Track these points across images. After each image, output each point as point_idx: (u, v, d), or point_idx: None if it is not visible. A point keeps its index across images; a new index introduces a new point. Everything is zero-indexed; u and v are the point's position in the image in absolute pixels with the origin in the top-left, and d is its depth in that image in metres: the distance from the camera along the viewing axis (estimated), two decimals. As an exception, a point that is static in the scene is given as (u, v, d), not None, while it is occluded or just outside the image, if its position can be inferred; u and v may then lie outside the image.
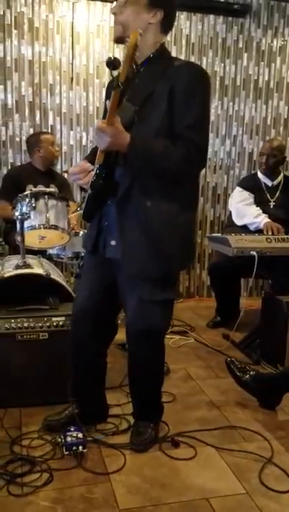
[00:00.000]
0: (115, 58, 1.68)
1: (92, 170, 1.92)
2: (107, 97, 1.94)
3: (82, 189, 2.14)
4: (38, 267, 2.75)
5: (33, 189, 2.92)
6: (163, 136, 1.83)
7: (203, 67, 4.21)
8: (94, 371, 2.26)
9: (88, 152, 2.21)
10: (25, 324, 2.41)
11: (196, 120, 1.84)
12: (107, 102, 1.76)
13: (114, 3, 1.88)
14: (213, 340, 3.43)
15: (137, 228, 1.89)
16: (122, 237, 1.92)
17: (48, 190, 2.96)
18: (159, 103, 1.83)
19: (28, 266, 2.70)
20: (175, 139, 1.82)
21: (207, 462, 2.06)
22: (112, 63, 1.68)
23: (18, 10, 3.86)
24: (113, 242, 1.95)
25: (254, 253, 3.01)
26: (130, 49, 1.64)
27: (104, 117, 1.83)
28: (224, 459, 2.08)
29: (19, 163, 4.04)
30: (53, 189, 3.04)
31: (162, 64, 1.91)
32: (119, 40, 1.93)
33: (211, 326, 3.74)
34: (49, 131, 4.08)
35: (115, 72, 1.71)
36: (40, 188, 2.99)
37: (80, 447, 2.01)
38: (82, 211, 2.08)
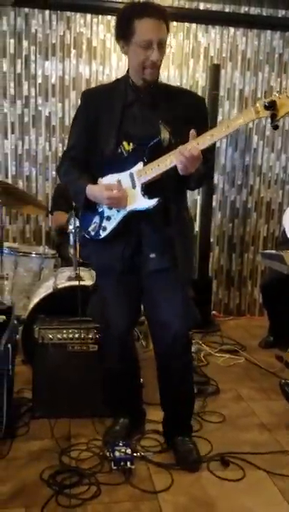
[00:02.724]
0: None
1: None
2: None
3: (75, 210, 2.26)
4: (89, 280, 2.79)
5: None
6: None
7: (259, 82, 4.23)
8: (137, 379, 2.37)
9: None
10: (77, 335, 2.44)
11: None
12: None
13: (158, 53, 1.88)
14: (265, 361, 3.32)
15: (179, 237, 2.03)
16: (167, 248, 2.01)
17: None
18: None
19: (80, 278, 2.75)
20: None
21: (257, 486, 1.99)
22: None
23: (78, 30, 4.00)
24: (152, 255, 2.02)
25: (310, 271, 2.90)
26: None
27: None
28: (275, 484, 2.00)
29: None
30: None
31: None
32: (153, 83, 1.98)
33: (263, 345, 3.63)
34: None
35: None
36: None
37: (128, 463, 1.99)
38: (93, 233, 2.06)
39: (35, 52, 3.98)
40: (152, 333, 2.22)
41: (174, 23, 4.07)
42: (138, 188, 1.95)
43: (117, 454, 2.01)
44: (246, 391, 2.87)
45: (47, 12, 3.94)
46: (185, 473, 2.05)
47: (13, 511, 1.77)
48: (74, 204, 2.39)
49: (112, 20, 4.00)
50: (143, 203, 1.94)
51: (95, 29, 4.02)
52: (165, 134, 1.94)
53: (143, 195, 1.94)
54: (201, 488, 1.96)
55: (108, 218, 2.02)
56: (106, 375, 2.32)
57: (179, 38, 4.12)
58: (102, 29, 4.03)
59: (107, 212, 2.03)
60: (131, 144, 1.98)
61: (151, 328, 2.23)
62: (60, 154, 4.11)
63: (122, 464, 1.99)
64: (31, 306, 2.70)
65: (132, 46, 1.90)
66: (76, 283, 2.68)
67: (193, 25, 4.12)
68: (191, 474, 2.04)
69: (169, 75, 4.14)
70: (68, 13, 3.97)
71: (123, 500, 1.86)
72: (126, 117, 1.99)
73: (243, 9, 4.15)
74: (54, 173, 4.13)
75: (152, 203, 1.92)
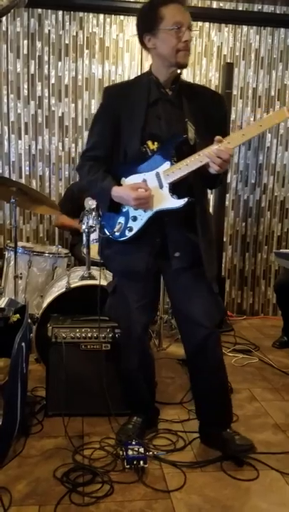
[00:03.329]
0: None
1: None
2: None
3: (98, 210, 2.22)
4: (102, 279, 2.80)
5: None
6: None
7: (273, 80, 4.20)
8: (153, 378, 2.38)
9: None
10: (89, 334, 2.45)
11: None
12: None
13: (193, 32, 1.94)
14: (279, 361, 3.30)
15: (203, 236, 2.03)
16: (192, 247, 2.02)
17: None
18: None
19: (92, 277, 2.76)
20: None
21: (271, 486, 1.97)
22: None
23: (90, 30, 4.02)
24: (177, 254, 2.03)
25: None
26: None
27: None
28: (290, 484, 1.98)
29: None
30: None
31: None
32: (186, 66, 2.00)
33: (277, 346, 3.60)
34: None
35: None
36: None
37: (142, 462, 1.99)
38: (119, 233, 2.05)
39: (48, 52, 4.00)
40: (183, 331, 2.22)
41: (187, 22, 4.05)
42: (166, 188, 1.93)
43: (130, 452, 2.02)
44: (260, 391, 2.85)
45: (60, 13, 3.96)
46: (198, 472, 2.04)
47: (27, 509, 1.78)
48: (93, 204, 2.40)
49: (124, 20, 4.02)
50: (172, 202, 1.93)
51: (107, 29, 4.03)
52: (191, 133, 1.94)
53: (171, 194, 1.93)
54: (214, 487, 1.95)
55: (134, 219, 2.01)
56: (124, 375, 2.32)
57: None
58: (114, 29, 4.04)
59: (132, 213, 2.02)
60: (155, 143, 1.97)
61: (181, 326, 2.24)
62: (73, 155, 4.14)
63: (135, 462, 1.99)
64: (45, 305, 2.71)
65: (160, 34, 1.89)
66: (89, 282, 2.70)
67: (206, 23, 4.12)
68: (204, 474, 2.03)
69: (182, 74, 4.12)
70: (81, 14, 3.99)
71: (136, 499, 1.86)
72: (150, 116, 1.98)
73: (257, 7, 4.13)
74: (67, 173, 4.16)
75: (182, 202, 1.92)
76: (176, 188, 1.94)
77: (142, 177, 1.97)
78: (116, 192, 1.99)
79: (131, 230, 2.02)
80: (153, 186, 1.95)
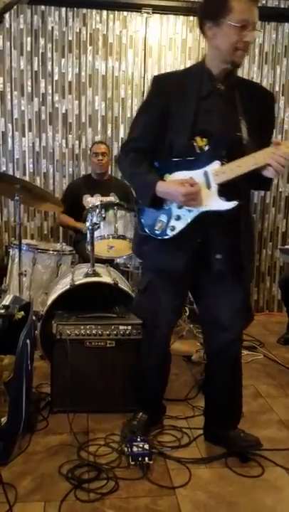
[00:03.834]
0: None
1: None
2: None
3: (137, 203, 2.08)
4: (106, 276, 2.81)
5: (93, 201, 3.00)
6: None
7: (277, 76, 4.18)
8: (167, 376, 2.36)
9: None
10: (94, 331, 2.45)
11: None
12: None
13: (257, 32, 1.81)
14: (284, 357, 3.29)
15: (245, 239, 1.99)
16: (234, 250, 1.96)
17: (117, 201, 3.04)
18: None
19: (97, 274, 2.76)
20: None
21: (276, 483, 1.97)
22: None
23: (94, 27, 4.00)
24: (218, 256, 1.95)
25: None
26: None
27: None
28: (295, 481, 1.98)
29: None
30: (113, 199, 3.14)
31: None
32: (240, 66, 1.91)
33: (282, 342, 3.59)
34: (120, 143, 4.17)
35: None
36: (97, 197, 3.12)
37: (146, 458, 2.00)
38: (159, 231, 1.96)
39: (51, 49, 4.00)
40: (208, 334, 2.19)
41: (191, 18, 4.04)
42: (214, 189, 1.83)
43: (134, 449, 2.02)
44: (264, 387, 2.84)
45: (63, 9, 3.95)
46: (203, 469, 2.04)
47: (32, 505, 1.79)
48: (136, 200, 2.13)
49: (128, 16, 4.00)
50: (220, 204, 1.83)
51: (111, 25, 4.02)
52: (244, 132, 1.84)
53: (220, 196, 1.83)
54: (219, 484, 1.95)
55: (178, 218, 1.91)
56: (140, 372, 2.30)
57: (195, 32, 4.09)
58: (118, 25, 4.02)
59: (176, 212, 1.92)
60: (205, 140, 1.85)
61: (206, 328, 2.21)
62: (76, 151, 4.13)
63: (139, 459, 2.00)
64: (49, 302, 2.71)
65: (223, 27, 1.76)
66: (93, 279, 2.70)
67: (210, 19, 4.08)
68: (209, 470, 2.04)
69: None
70: (84, 10, 3.97)
71: (141, 495, 1.86)
72: (201, 109, 1.85)
73: (261, 2, 4.09)
74: (71, 170, 4.16)
75: (231, 205, 1.82)
76: (224, 189, 1.83)
77: (189, 175, 1.85)
78: (162, 187, 1.88)
79: (173, 229, 1.92)
80: (200, 185, 1.84)
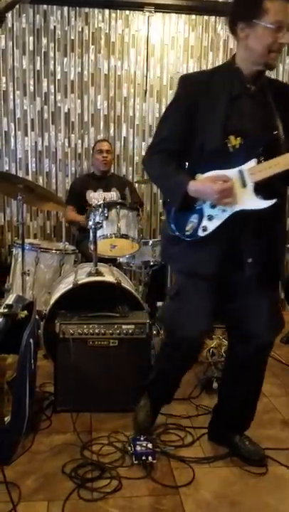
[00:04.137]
0: None
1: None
2: None
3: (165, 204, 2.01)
4: (109, 275, 2.80)
5: (98, 197, 3.01)
6: None
7: (280, 74, 4.17)
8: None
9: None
10: (97, 330, 2.45)
11: None
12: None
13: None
14: (288, 357, 3.28)
15: (279, 241, 1.95)
16: (266, 253, 1.89)
17: (119, 200, 3.04)
18: None
19: (100, 273, 2.76)
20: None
21: (280, 482, 1.97)
22: None
23: (96, 26, 4.00)
24: (250, 260, 1.87)
25: None
26: None
27: None
28: (298, 480, 1.98)
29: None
30: (115, 195, 3.13)
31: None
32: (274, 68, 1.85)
33: (285, 341, 3.58)
34: (122, 143, 4.18)
35: None
36: (100, 192, 3.12)
37: (150, 458, 2.00)
38: (190, 232, 1.87)
39: (53, 48, 4.00)
40: (235, 340, 2.10)
41: (193, 16, 4.04)
42: (250, 187, 1.77)
43: (138, 448, 2.02)
44: (268, 387, 2.83)
45: (65, 8, 3.95)
46: (206, 468, 2.04)
47: (36, 504, 1.79)
48: (167, 200, 2.01)
49: (130, 15, 4.00)
50: (256, 203, 1.77)
51: (113, 24, 4.02)
52: (280, 131, 1.80)
53: (256, 194, 1.77)
54: (222, 483, 1.95)
55: (210, 218, 1.84)
56: (161, 374, 2.25)
57: (197, 30, 4.09)
58: (120, 24, 4.02)
59: (208, 211, 1.84)
60: (239, 139, 1.80)
61: (234, 334, 2.11)
62: (79, 151, 4.13)
63: (143, 458, 2.00)
64: (52, 301, 2.72)
65: (257, 28, 1.71)
66: (96, 278, 2.70)
67: (212, 17, 4.09)
68: (212, 470, 2.03)
69: (188, 67, 4.12)
70: (86, 9, 3.97)
71: (144, 494, 1.86)
72: (233, 110, 1.81)
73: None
74: (73, 169, 4.16)
75: (269, 203, 1.74)
76: (260, 188, 1.77)
77: (223, 173, 1.79)
78: (194, 186, 1.81)
79: (205, 229, 1.84)
80: (235, 185, 1.79)
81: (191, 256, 1.91)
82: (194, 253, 1.89)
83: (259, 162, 1.76)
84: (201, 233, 1.85)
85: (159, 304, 3.63)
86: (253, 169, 1.76)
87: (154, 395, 2.28)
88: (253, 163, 1.77)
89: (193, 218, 1.87)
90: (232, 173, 1.79)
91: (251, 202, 1.77)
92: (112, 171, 4.05)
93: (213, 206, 1.84)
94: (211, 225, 1.84)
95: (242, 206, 1.79)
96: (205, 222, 1.85)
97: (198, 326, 1.98)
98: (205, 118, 1.82)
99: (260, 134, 1.78)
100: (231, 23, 1.80)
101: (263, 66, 1.80)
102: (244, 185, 1.78)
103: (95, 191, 3.76)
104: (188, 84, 1.90)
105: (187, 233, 1.88)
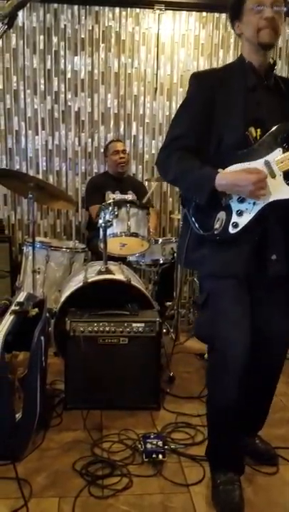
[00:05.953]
0: None
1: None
2: None
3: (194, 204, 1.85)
4: (119, 273, 2.81)
5: (116, 198, 3.00)
6: None
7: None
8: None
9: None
10: (107, 328, 2.46)
11: None
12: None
13: (274, 8, 1.74)
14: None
15: None
16: None
17: (129, 199, 3.04)
18: None
19: (110, 272, 2.77)
20: None
21: (291, 482, 1.96)
22: None
23: (106, 24, 4.00)
24: (274, 257, 1.77)
25: None
26: None
27: None
28: (310, 479, 1.97)
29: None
30: (131, 197, 3.13)
31: None
32: (271, 46, 1.82)
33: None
34: (132, 141, 4.18)
35: None
36: (118, 194, 3.10)
37: (160, 455, 2.00)
38: (219, 230, 1.76)
39: (64, 47, 4.01)
40: (256, 348, 1.80)
41: (204, 14, 4.02)
42: (280, 177, 1.70)
43: (148, 446, 2.02)
44: (278, 386, 2.80)
45: (76, 7, 3.96)
46: (217, 466, 2.04)
47: (47, 501, 1.80)
48: (189, 197, 1.88)
49: (140, 13, 4.00)
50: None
51: (123, 22, 4.02)
52: None
53: (287, 183, 1.69)
54: (233, 482, 1.94)
55: (240, 213, 1.74)
56: (214, 415, 1.90)
57: (208, 28, 4.07)
58: (130, 22, 4.02)
59: (237, 206, 1.75)
60: (259, 131, 1.76)
61: (256, 345, 1.81)
62: (89, 149, 4.14)
63: (153, 456, 2.00)
64: (62, 299, 2.73)
65: (245, 18, 1.78)
66: (106, 276, 2.71)
67: (223, 15, 4.07)
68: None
69: (199, 65, 4.11)
70: (97, 8, 3.98)
71: (155, 492, 1.87)
72: (250, 102, 1.79)
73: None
74: (84, 168, 4.17)
75: None
76: None
77: (248, 166, 1.73)
78: (224, 178, 1.71)
79: (236, 226, 1.74)
80: None
81: (222, 256, 1.78)
82: (225, 252, 1.77)
83: (285, 151, 1.71)
84: (232, 230, 1.75)
85: (168, 303, 3.64)
86: (281, 158, 1.71)
87: (220, 450, 1.90)
88: (278, 152, 1.71)
89: (221, 215, 1.77)
90: (258, 164, 1.73)
91: (283, 191, 1.71)
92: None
93: (241, 200, 1.75)
94: (242, 221, 1.74)
95: (275, 197, 1.71)
96: (235, 218, 1.75)
97: (237, 340, 1.75)
98: (223, 112, 1.79)
99: (283, 123, 1.74)
100: (232, 25, 1.90)
101: (260, 47, 1.79)
102: (273, 175, 1.72)
103: (113, 192, 3.73)
104: (202, 79, 1.89)
105: (216, 232, 1.77)
